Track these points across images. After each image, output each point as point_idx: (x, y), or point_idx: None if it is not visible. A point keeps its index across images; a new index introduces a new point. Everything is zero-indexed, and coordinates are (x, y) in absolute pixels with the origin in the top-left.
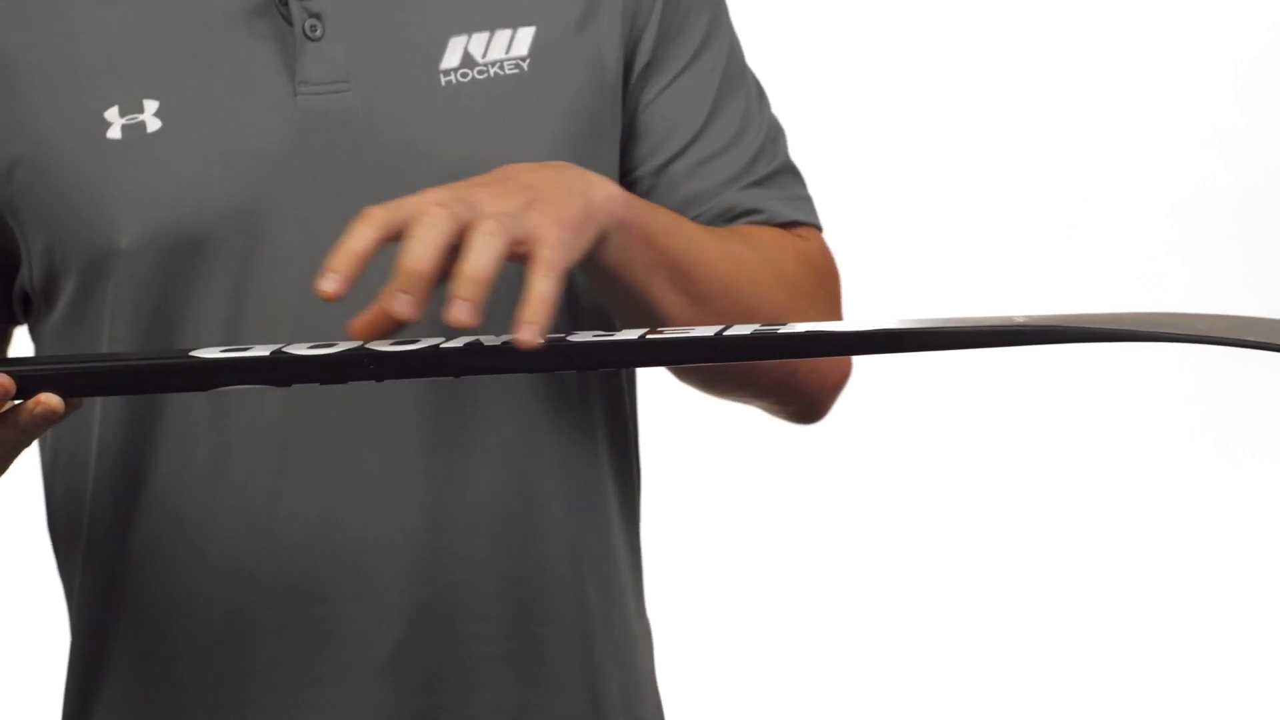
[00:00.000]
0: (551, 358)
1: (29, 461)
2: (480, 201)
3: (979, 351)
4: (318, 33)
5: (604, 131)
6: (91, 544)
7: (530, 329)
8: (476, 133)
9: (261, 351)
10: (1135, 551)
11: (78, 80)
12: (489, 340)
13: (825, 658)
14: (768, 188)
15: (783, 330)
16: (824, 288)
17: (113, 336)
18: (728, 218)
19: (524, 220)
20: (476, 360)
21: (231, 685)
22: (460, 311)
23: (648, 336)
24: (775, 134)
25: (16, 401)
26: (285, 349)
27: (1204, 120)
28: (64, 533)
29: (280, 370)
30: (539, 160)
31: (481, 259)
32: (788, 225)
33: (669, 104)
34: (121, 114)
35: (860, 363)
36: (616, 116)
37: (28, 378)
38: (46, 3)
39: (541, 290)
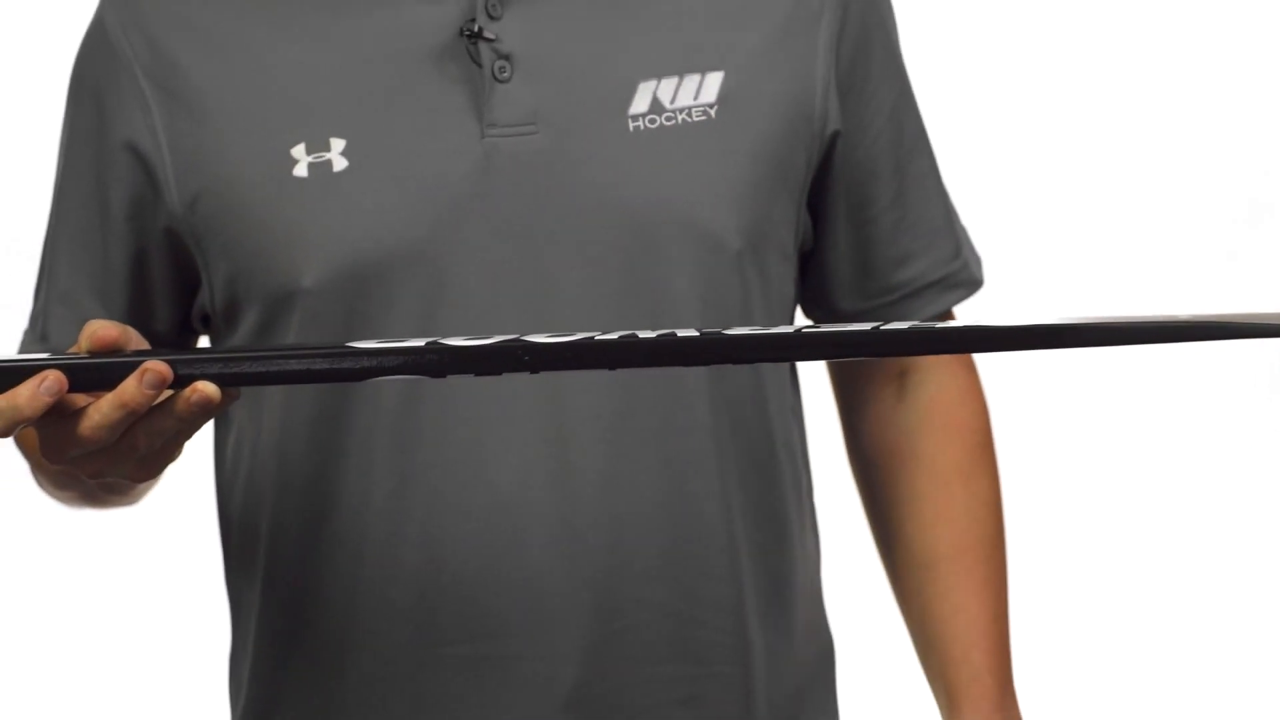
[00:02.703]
0: (708, 350)
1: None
2: None
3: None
4: (506, 74)
5: (790, 175)
6: (270, 573)
7: None
8: (663, 180)
9: (417, 342)
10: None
11: (265, 116)
12: (645, 333)
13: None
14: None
15: (941, 326)
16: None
17: None
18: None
19: None
20: (631, 352)
21: None
22: None
23: (804, 330)
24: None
25: (172, 391)
26: (441, 340)
27: None
28: (238, 557)
29: (436, 360)
30: (724, 207)
31: None
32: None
33: (872, 160)
34: (308, 152)
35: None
36: (807, 161)
37: (185, 366)
38: (237, 38)
39: None
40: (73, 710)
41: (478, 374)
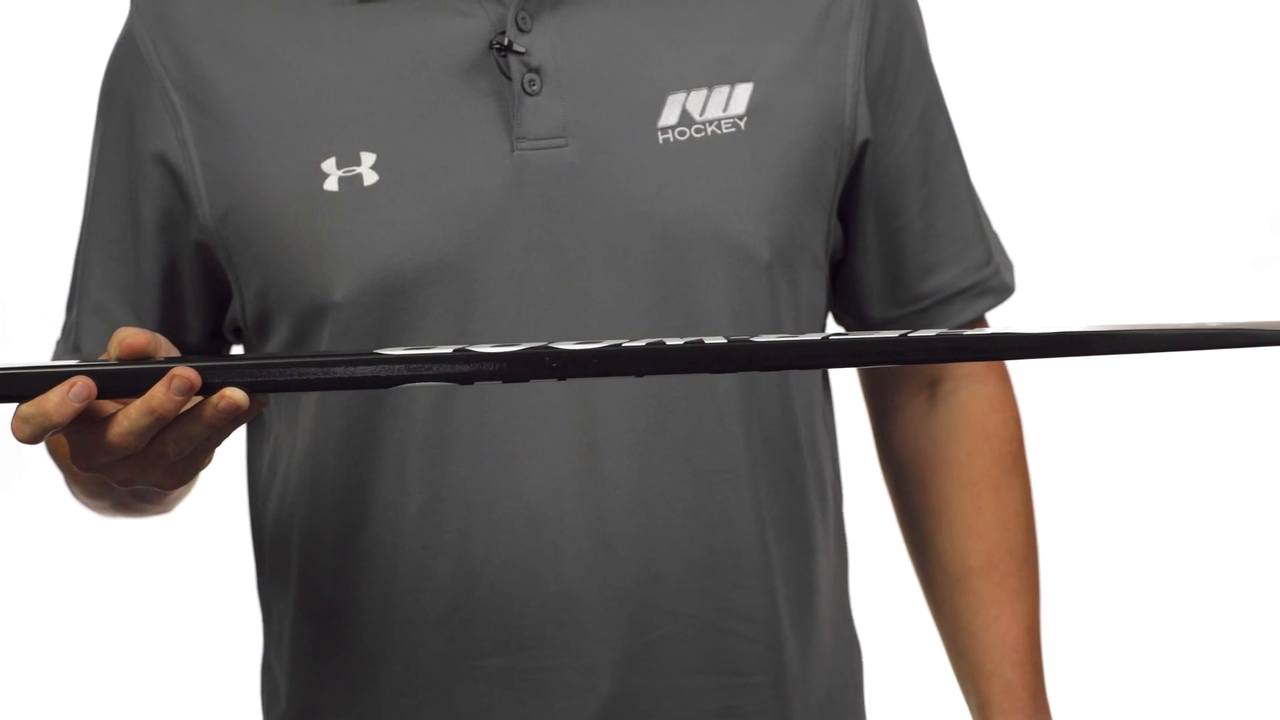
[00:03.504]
0: (735, 358)
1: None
2: None
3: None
4: (536, 88)
5: (820, 185)
6: (304, 584)
7: None
8: (693, 192)
9: (444, 349)
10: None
11: (295, 130)
12: (672, 341)
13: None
14: (991, 276)
15: (970, 334)
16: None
17: None
18: (961, 301)
19: None
20: (658, 359)
21: None
22: None
23: (831, 338)
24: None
25: (201, 397)
26: (468, 347)
27: None
28: (271, 566)
29: (464, 368)
30: (754, 219)
31: None
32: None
33: (901, 168)
34: (339, 166)
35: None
36: (838, 170)
37: (213, 373)
38: (267, 51)
39: None
40: (104, 714)
41: (505, 381)
